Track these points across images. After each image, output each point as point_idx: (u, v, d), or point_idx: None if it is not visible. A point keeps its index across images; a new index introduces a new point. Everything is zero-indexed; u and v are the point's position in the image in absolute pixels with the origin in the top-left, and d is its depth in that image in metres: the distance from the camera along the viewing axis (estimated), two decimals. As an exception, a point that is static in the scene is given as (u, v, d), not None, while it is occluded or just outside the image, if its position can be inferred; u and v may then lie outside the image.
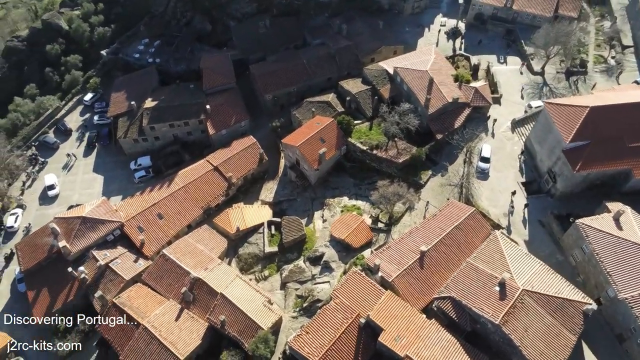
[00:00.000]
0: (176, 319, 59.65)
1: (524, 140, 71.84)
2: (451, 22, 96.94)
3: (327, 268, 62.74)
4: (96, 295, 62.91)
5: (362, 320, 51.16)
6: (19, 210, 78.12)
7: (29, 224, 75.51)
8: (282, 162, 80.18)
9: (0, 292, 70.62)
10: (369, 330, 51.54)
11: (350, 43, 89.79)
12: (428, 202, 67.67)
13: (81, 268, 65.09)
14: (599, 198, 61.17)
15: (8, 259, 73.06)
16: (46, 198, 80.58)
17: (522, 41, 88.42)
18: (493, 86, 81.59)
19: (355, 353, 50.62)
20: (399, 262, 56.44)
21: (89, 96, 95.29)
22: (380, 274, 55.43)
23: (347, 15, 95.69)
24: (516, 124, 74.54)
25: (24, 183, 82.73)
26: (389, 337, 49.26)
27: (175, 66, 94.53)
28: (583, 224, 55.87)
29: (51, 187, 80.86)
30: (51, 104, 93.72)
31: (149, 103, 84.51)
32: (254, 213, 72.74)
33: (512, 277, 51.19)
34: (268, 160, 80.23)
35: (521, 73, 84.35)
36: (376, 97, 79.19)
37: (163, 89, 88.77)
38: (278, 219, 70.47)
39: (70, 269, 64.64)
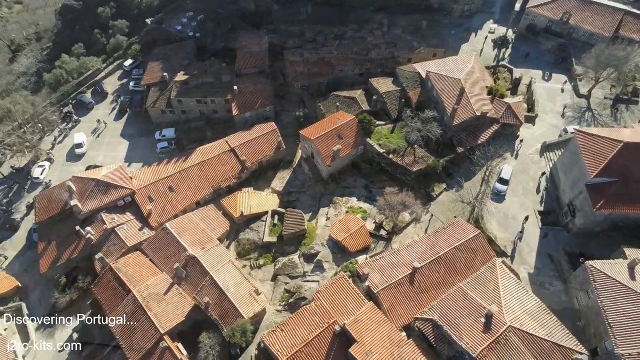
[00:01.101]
0: (165, 293, 60.89)
1: (550, 166, 67.35)
2: (501, 30, 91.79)
3: (319, 267, 61.98)
4: (97, 256, 65.31)
5: (338, 328, 50.20)
6: (46, 164, 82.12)
7: (49, 180, 79.11)
8: (299, 152, 79.38)
9: (18, 238, 74.97)
10: (344, 339, 50.53)
11: (389, 40, 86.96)
12: (432, 215, 65.06)
13: (88, 228, 67.54)
14: (620, 242, 56.60)
15: (30, 207, 77.18)
16: (73, 155, 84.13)
17: (574, 59, 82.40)
18: (531, 104, 76.79)
19: (325, 359, 49.83)
20: (389, 274, 54.81)
21: (128, 62, 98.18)
22: (367, 283, 54.10)
23: (392, 12, 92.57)
24: (546, 148, 69.97)
25: (55, 138, 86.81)
26: (361, 350, 48.11)
27: (214, 43, 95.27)
28: (593, 267, 51.93)
29: (79, 145, 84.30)
30: (93, 65, 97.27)
31: (181, 77, 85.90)
32: (261, 200, 72.68)
33: (501, 310, 48.49)
34: (286, 149, 79.62)
35: (562, 91, 78.86)
36: (403, 100, 76.47)
37: (197, 65, 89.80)
38: (283, 210, 70.04)
39: (78, 228, 67.38)
